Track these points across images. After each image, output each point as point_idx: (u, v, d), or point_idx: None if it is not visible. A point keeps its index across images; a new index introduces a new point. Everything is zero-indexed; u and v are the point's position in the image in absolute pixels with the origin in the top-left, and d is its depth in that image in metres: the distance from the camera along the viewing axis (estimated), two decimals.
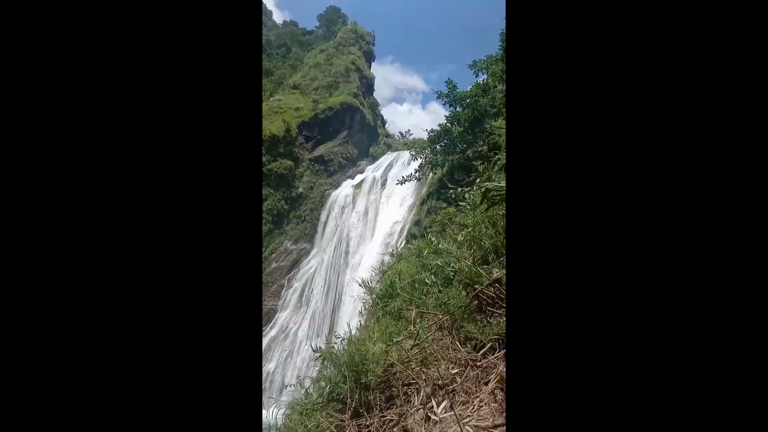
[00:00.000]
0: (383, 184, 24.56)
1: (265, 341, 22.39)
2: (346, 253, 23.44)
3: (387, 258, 9.13)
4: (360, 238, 23.60)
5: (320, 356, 3.44)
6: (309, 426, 2.92)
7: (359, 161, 27.54)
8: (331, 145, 27.37)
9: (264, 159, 24.16)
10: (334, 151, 27.09)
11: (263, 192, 24.06)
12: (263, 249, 23.45)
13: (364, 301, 6.96)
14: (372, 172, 25.90)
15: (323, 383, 3.11)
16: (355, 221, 24.09)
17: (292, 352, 21.93)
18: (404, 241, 8.81)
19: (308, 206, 25.36)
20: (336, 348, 3.46)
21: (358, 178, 25.96)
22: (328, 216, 25.08)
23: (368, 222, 23.80)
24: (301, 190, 25.58)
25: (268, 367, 21.48)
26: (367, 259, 21.66)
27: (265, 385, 21.03)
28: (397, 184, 15.92)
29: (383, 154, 27.32)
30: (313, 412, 3.17)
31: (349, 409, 2.96)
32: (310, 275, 23.69)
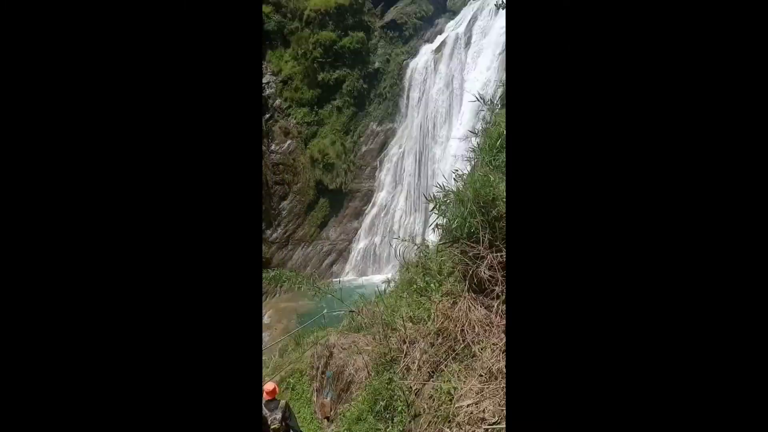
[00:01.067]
0: (467, 43, 21.69)
1: (367, 219, 23.88)
2: (433, 126, 22.38)
3: (485, 114, 8.39)
4: (446, 108, 22.07)
5: (441, 200, 3.20)
6: (448, 255, 2.69)
7: (436, 19, 24.31)
8: (402, 5, 24.33)
9: (333, 35, 22.66)
10: (406, 11, 24.14)
11: (339, 73, 23.13)
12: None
13: (468, 158, 6.60)
14: (452, 30, 22.82)
15: (450, 219, 2.91)
16: (439, 89, 22.32)
17: (392, 226, 23.17)
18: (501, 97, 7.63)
19: (387, 82, 23.96)
20: (458, 187, 3.16)
21: (438, 40, 23.19)
22: (409, 90, 23.58)
23: (453, 90, 21.86)
24: (377, 64, 23.98)
25: (374, 240, 23.22)
26: (457, 130, 20.47)
27: (374, 257, 23.01)
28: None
29: (464, 5, 23.55)
30: (447, 248, 2.95)
31: (483, 241, 2.74)
32: (400, 155, 23.51)
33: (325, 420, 7.09)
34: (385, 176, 23.97)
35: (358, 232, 24.02)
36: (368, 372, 6.43)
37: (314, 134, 23.68)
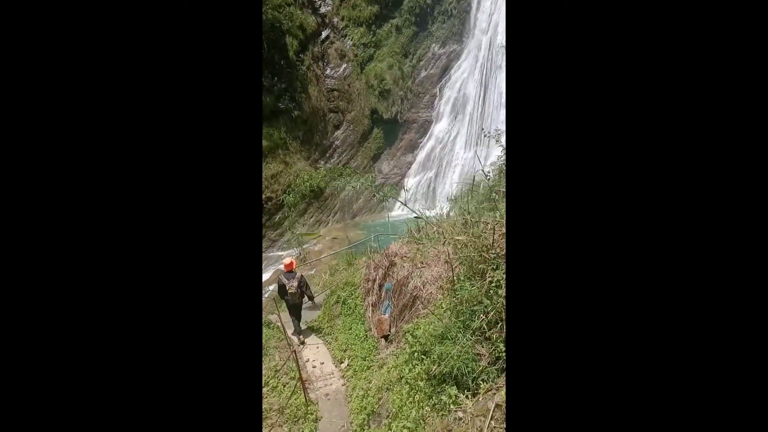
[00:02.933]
0: None
1: (422, 153, 21.72)
2: (503, 46, 19.03)
3: None
4: None
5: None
6: None
7: None
8: None
9: None
10: None
11: None
12: None
13: None
14: None
15: None
16: None
17: (450, 161, 20.86)
18: None
19: None
20: None
21: None
22: (477, 6, 20.08)
23: None
24: None
25: (429, 175, 21.17)
26: None
27: (429, 191, 21.07)
28: None
29: None
30: None
31: None
32: (464, 80, 20.59)
33: (383, 339, 5.61)
34: (444, 105, 21.31)
35: (412, 167, 22.01)
36: (441, 285, 4.81)
37: (371, 57, 21.23)
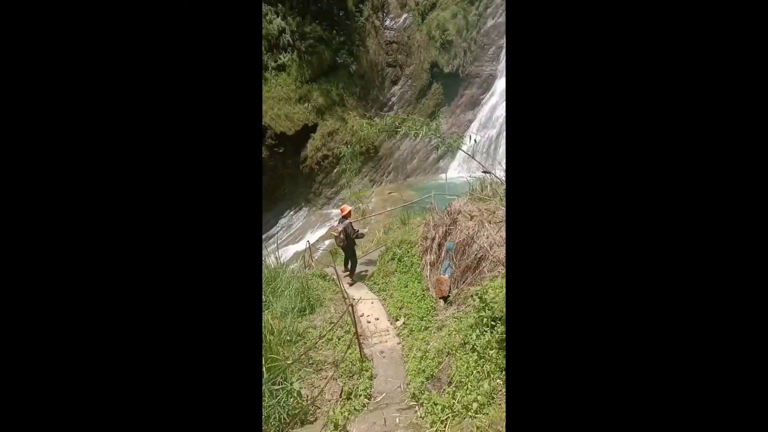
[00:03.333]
0: None
1: (484, 110, 20.26)
2: None
3: None
4: None
5: None
6: None
7: None
8: None
9: None
10: None
11: None
12: None
13: None
14: None
15: None
16: None
17: None
18: None
19: None
20: None
21: None
22: None
23: None
24: None
25: (491, 134, 19.81)
26: None
27: (490, 150, 19.79)
28: None
29: None
30: None
31: None
32: None
33: (441, 300, 5.24)
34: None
35: (472, 125, 20.68)
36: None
37: (433, 5, 19.62)
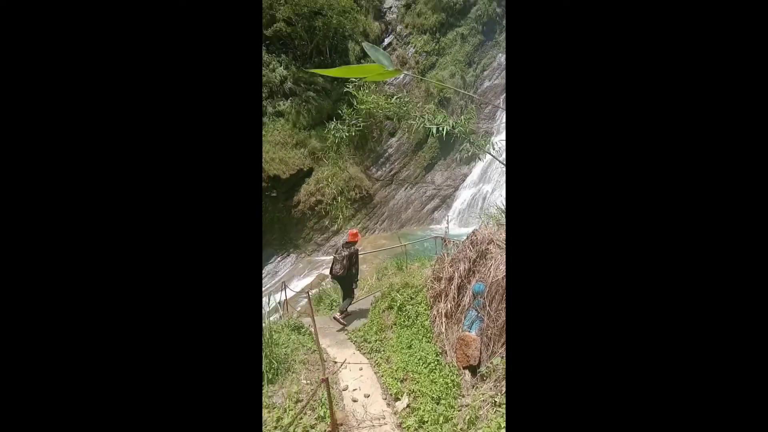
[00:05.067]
0: None
1: (479, 165, 19.32)
2: None
3: None
4: None
5: None
6: None
7: None
8: None
9: None
10: None
11: None
12: None
13: None
14: None
15: None
16: None
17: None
18: None
19: None
20: None
21: None
22: None
23: None
24: None
25: (485, 188, 18.64)
26: None
27: (481, 209, 18.51)
28: None
29: None
30: None
31: None
32: None
33: (467, 371, 3.31)
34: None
35: (467, 179, 19.64)
36: None
37: (432, 65, 19.51)
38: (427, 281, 4.73)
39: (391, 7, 19.69)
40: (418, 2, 19.22)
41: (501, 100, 19.01)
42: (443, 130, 4.67)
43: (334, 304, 7.10)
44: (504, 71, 19.13)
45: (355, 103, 5.56)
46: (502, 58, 19.11)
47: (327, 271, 5.87)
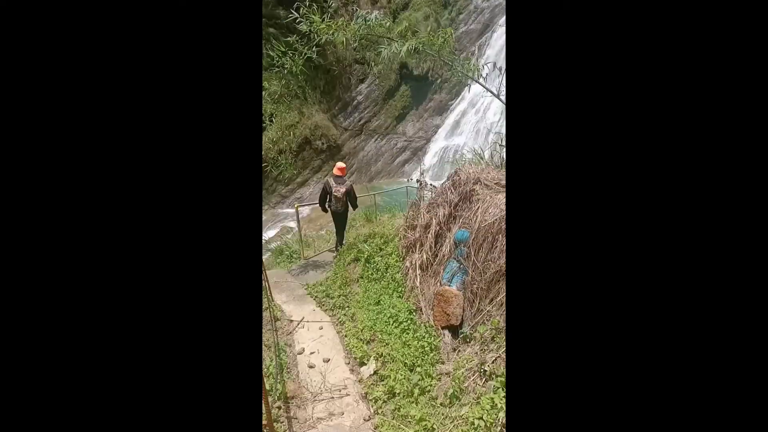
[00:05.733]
0: None
1: (452, 116, 18.46)
2: None
3: None
4: None
5: None
6: None
7: None
8: None
9: None
10: None
11: None
12: None
13: None
14: None
15: None
16: None
17: (481, 129, 17.57)
18: None
19: None
20: None
21: None
22: None
23: None
24: None
25: (457, 141, 17.95)
26: None
27: (453, 162, 17.92)
28: None
29: None
30: None
31: None
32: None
33: (446, 331, 2.74)
34: (483, 64, 17.82)
35: (439, 130, 18.79)
36: None
37: (406, 5, 17.71)
38: (399, 231, 4.06)
39: None
40: None
41: (476, 46, 17.79)
42: (413, 48, 3.77)
43: (294, 256, 6.38)
44: (480, 15, 17.76)
45: (311, 29, 4.41)
46: (479, 0, 17.61)
47: (292, 224, 5.19)
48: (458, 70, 4.11)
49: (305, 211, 16.06)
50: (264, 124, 5.27)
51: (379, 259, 4.06)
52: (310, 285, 4.56)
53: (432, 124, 18.81)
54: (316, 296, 4.30)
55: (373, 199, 8.82)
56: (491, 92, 4.16)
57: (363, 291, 3.87)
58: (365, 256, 4.19)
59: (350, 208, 5.26)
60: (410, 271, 3.46)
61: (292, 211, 15.61)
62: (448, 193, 3.27)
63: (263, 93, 5.47)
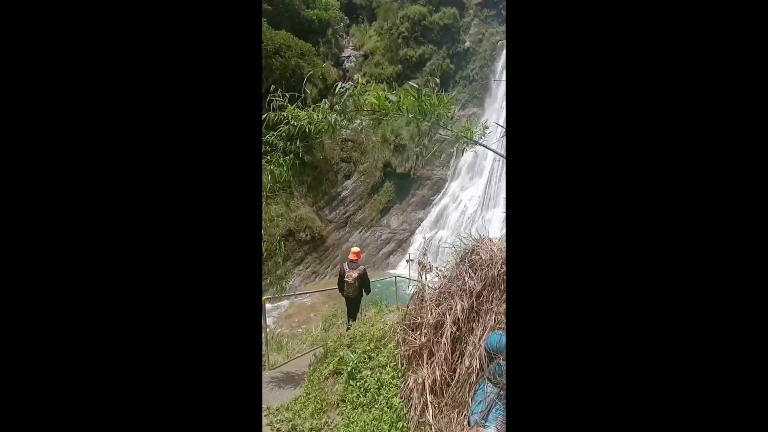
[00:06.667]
0: None
1: (435, 210, 18.47)
2: None
3: None
4: None
5: None
6: None
7: None
8: None
9: (424, 9, 18.42)
10: None
11: (424, 49, 18.66)
12: None
13: None
14: None
15: None
16: None
17: (462, 223, 17.43)
18: None
19: (477, 63, 19.08)
20: None
21: None
22: (501, 70, 18.49)
23: None
24: (468, 44, 19.24)
25: (440, 234, 17.57)
26: None
27: (437, 253, 17.30)
28: None
29: None
30: None
31: None
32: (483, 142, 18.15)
33: None
34: (462, 164, 18.57)
35: (422, 224, 18.56)
36: None
37: (387, 113, 19.09)
38: (395, 332, 2.96)
39: (349, 56, 19.46)
40: (376, 53, 19.21)
41: (455, 149, 18.77)
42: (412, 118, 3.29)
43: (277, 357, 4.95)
44: (458, 122, 19.17)
45: (289, 119, 4.00)
46: (455, 109, 19.24)
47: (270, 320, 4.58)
48: (457, 133, 3.56)
49: (284, 304, 14.44)
50: None
51: (368, 373, 2.86)
52: (272, 409, 3.19)
53: (415, 217, 18.68)
54: (278, 428, 2.93)
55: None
56: (493, 150, 3.62)
57: (345, 424, 2.59)
58: (349, 368, 2.98)
59: (364, 293, 5.08)
60: (415, 394, 2.30)
61: (270, 306, 13.97)
62: (466, 278, 2.33)
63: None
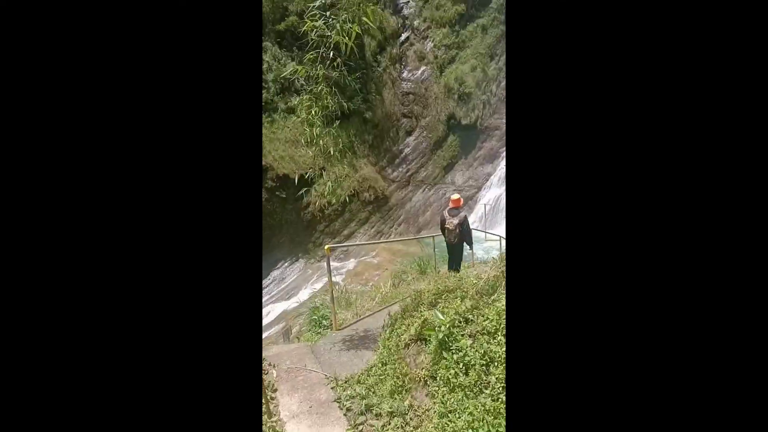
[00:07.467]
0: None
1: (504, 163, 16.63)
2: None
3: None
4: None
5: None
6: None
7: None
8: None
9: None
10: None
11: None
12: None
13: None
14: None
15: None
16: None
17: None
18: None
19: None
20: None
21: None
22: None
23: None
24: None
25: None
26: None
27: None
28: None
29: None
30: None
31: None
32: None
33: None
34: None
35: (491, 179, 16.95)
36: None
37: (452, 59, 17.13)
38: (500, 283, 2.10)
39: (408, 1, 17.55)
40: None
41: None
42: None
43: (324, 322, 4.50)
44: None
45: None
46: None
47: (338, 278, 4.51)
48: None
49: (350, 263, 14.44)
50: (313, 175, 4.31)
51: (468, 342, 2.08)
52: (340, 381, 2.62)
53: (483, 172, 17.08)
54: (348, 406, 2.35)
55: (424, 248, 6.90)
56: None
57: (441, 414, 1.88)
58: (439, 334, 2.23)
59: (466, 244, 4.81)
60: None
61: (338, 264, 14.05)
62: None
63: (315, 149, 3.88)
